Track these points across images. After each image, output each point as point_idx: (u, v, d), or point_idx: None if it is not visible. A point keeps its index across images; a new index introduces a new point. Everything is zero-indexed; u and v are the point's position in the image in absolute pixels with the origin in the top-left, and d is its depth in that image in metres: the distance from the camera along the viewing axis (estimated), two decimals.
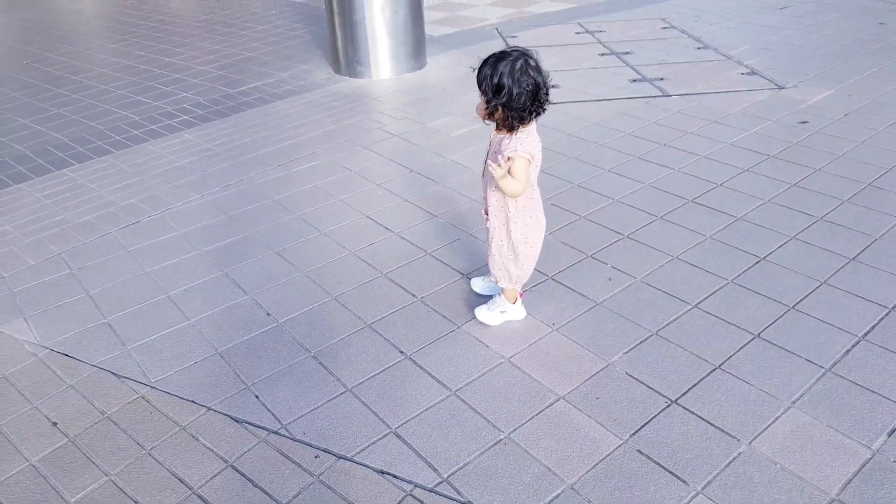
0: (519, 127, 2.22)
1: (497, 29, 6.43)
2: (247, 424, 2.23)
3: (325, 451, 2.11)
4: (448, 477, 1.99)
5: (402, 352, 2.48)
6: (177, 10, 8.18)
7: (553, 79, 4.95)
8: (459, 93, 4.88)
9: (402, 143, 4.13)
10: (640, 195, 3.42)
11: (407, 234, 3.18)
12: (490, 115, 2.24)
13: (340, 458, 2.08)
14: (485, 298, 2.71)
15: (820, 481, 1.94)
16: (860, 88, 4.61)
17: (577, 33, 6.18)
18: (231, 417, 2.25)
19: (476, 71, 2.20)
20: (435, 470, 2.02)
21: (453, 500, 1.93)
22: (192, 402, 2.33)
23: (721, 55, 5.41)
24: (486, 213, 2.45)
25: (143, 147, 4.30)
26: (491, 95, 2.15)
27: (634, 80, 4.94)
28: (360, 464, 2.06)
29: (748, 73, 4.99)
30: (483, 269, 2.88)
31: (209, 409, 2.29)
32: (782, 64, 5.16)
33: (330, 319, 2.66)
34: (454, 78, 5.21)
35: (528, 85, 2.14)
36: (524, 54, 2.18)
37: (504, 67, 2.13)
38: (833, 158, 3.69)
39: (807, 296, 2.67)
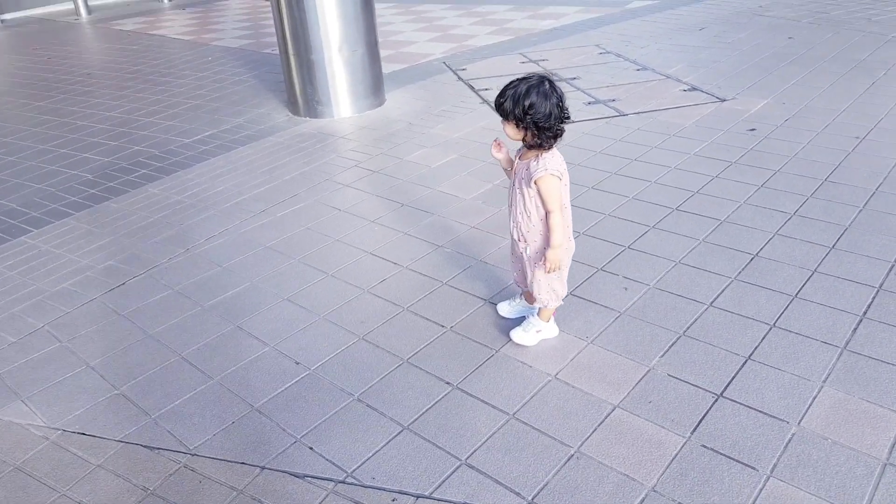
0: (548, 147, 2.31)
1: (445, 63, 6.58)
2: (309, 478, 2.16)
3: (400, 493, 2.08)
4: (533, 499, 2.01)
5: (448, 382, 2.48)
6: (101, 64, 7.92)
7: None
8: (427, 126, 4.96)
9: (383, 179, 4.15)
10: (627, 208, 3.58)
11: (416, 267, 3.20)
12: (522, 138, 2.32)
13: (419, 497, 2.06)
14: (512, 322, 2.75)
15: (869, 448, 2.08)
16: (791, 97, 5.00)
17: (522, 63, 6.41)
18: (290, 473, 2.18)
19: (501, 97, 2.27)
20: (518, 494, 2.03)
21: None
22: (243, 463, 2.24)
23: (660, 74, 5.75)
24: (522, 240, 2.50)
25: (106, 206, 4.13)
26: (522, 116, 2.23)
27: (589, 103, 5.17)
28: (442, 500, 2.04)
29: (689, 90, 5.33)
30: (505, 293, 2.94)
31: (263, 468, 2.21)
32: (716, 79, 5.53)
33: (364, 360, 2.63)
34: (416, 112, 5.29)
35: (554, 105, 2.24)
36: (544, 77, 2.29)
37: (533, 90, 2.23)
38: (787, 160, 3.99)
39: (804, 285, 2.86)
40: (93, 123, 5.67)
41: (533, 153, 2.36)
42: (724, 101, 5.01)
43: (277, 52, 5.44)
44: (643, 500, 1.98)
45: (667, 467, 2.08)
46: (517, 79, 2.28)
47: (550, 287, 2.54)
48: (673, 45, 6.66)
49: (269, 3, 5.55)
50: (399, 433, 2.28)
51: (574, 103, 5.19)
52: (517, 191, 2.43)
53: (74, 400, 2.56)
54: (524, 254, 2.51)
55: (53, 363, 2.77)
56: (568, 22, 8.06)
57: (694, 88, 5.34)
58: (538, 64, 6.34)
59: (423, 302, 2.94)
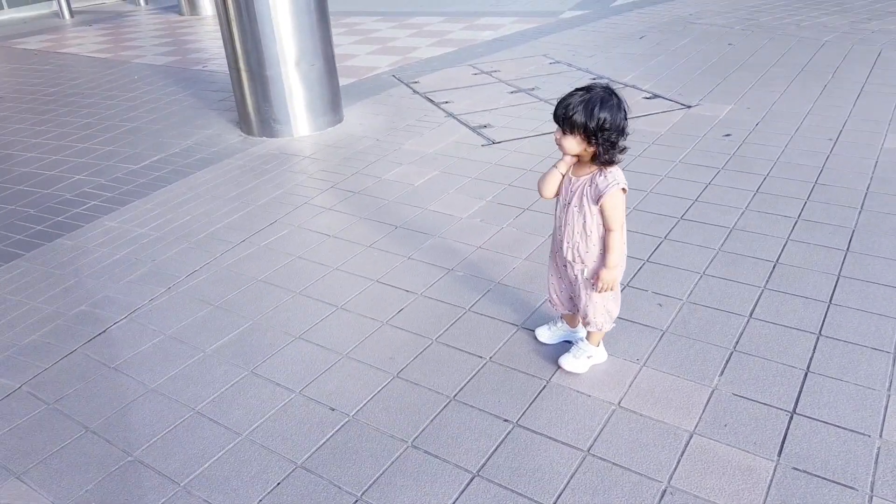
0: (616, 161, 2.17)
1: (395, 76, 6.37)
2: None
3: None
4: None
5: (506, 420, 2.28)
6: (12, 86, 7.20)
7: (485, 120, 5.02)
8: (396, 142, 4.73)
9: (366, 200, 3.89)
10: (633, 219, 3.48)
11: (433, 294, 2.98)
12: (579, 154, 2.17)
13: None
14: (554, 348, 2.59)
15: None
16: (753, 102, 5.11)
17: (475, 74, 6.29)
18: None
19: (569, 109, 2.11)
20: None
21: None
22: None
23: (618, 83, 5.77)
24: (580, 261, 2.33)
25: (59, 243, 3.67)
26: (596, 131, 2.08)
27: None
28: None
29: (651, 97, 5.36)
30: (537, 317, 2.76)
31: None
32: (674, 86, 5.60)
33: (406, 400, 2.39)
34: (380, 127, 5.05)
35: (623, 118, 2.11)
36: (609, 88, 2.15)
37: (606, 102, 2.08)
38: (772, 164, 4.03)
39: (834, 290, 2.84)
40: (19, 152, 5.10)
41: (591, 169, 2.21)
42: (691, 107, 5.07)
43: (208, 68, 5.08)
44: None
45: (766, 495, 1.96)
46: (579, 90, 2.13)
47: (606, 309, 2.39)
48: (620, 54, 6.72)
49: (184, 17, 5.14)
50: (470, 481, 2.06)
51: (541, 114, 5.12)
52: (573, 209, 2.26)
53: (83, 472, 2.18)
54: (579, 276, 2.35)
55: (45, 429, 2.37)
56: (507, 33, 8.03)
57: (656, 96, 5.37)
58: (491, 75, 6.25)
59: (452, 332, 2.73)
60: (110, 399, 2.49)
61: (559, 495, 2.00)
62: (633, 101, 5.26)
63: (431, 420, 2.30)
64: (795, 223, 3.38)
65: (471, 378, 2.47)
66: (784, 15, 7.98)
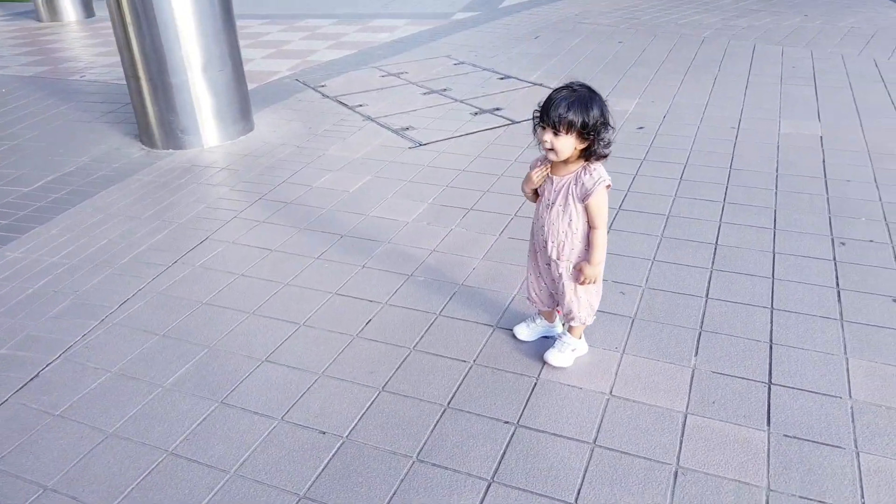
0: (605, 156, 2.19)
1: (298, 80, 6.15)
2: None
3: None
4: None
5: (506, 422, 2.24)
6: None
7: (405, 122, 4.95)
8: (318, 148, 4.56)
9: (301, 210, 3.72)
10: None
11: (398, 301, 2.89)
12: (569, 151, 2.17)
13: None
14: (534, 345, 2.58)
15: None
16: (655, 97, 5.38)
17: (383, 76, 6.20)
18: None
19: (560, 110, 2.10)
20: None
21: None
22: None
23: (526, 82, 5.89)
24: (564, 259, 2.33)
25: None
26: (593, 127, 2.09)
27: (476, 113, 5.12)
28: None
29: None
30: (510, 316, 2.75)
31: None
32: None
33: (399, 414, 2.29)
34: (296, 134, 4.85)
35: (608, 111, 2.15)
36: (586, 85, 2.18)
37: (594, 98, 2.12)
38: (686, 153, 4.25)
39: (773, 266, 3.02)
40: None
41: (574, 166, 2.22)
42: None
43: (87, 77, 4.71)
44: (768, 502, 1.93)
45: (768, 464, 2.05)
46: (561, 92, 2.14)
47: (588, 303, 2.41)
48: (519, 54, 6.88)
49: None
50: (488, 489, 2.00)
51: (460, 115, 5.13)
52: (558, 208, 2.27)
53: None
54: (564, 273, 2.35)
55: None
56: (404, 34, 8.00)
57: None
58: (399, 77, 6.19)
59: (428, 338, 2.66)
60: (64, 451, 2.21)
61: (579, 491, 1.99)
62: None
63: (431, 431, 2.22)
64: (723, 207, 3.58)
65: (459, 384, 2.42)
66: (662, 13, 8.49)
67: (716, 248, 3.19)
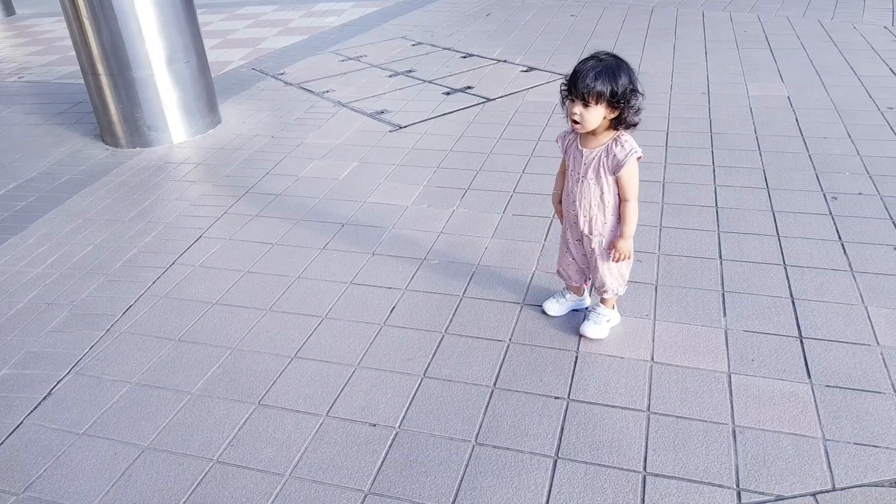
0: (636, 123, 2.18)
1: (255, 69, 5.93)
2: None
3: None
4: (741, 488, 1.90)
5: (557, 397, 2.23)
6: None
7: (378, 105, 4.84)
8: (295, 137, 4.42)
9: (294, 201, 3.60)
10: None
11: (418, 286, 2.83)
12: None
13: None
14: (565, 319, 2.58)
15: None
16: None
17: (342, 61, 6.05)
18: None
19: (588, 81, 2.07)
20: (722, 486, 1.89)
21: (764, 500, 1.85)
22: None
23: (488, 59, 5.85)
24: (598, 233, 2.32)
25: None
26: (623, 95, 2.08)
27: (447, 93, 5.06)
28: None
29: (527, 70, 5.50)
30: (536, 292, 2.73)
31: None
32: (541, 58, 5.80)
33: (447, 400, 2.25)
34: (268, 124, 4.68)
35: (636, 77, 2.14)
36: (611, 53, 2.16)
37: (622, 66, 2.10)
38: (667, 120, 4.31)
39: (776, 224, 3.10)
40: None
41: (604, 137, 2.21)
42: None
43: (25, 78, 4.44)
44: (827, 452, 1.98)
45: (818, 415, 2.10)
46: (588, 62, 2.11)
47: (620, 273, 2.42)
48: (475, 32, 6.82)
49: None
50: (555, 465, 1.99)
51: (432, 95, 5.06)
52: (589, 182, 2.25)
53: None
54: (597, 248, 2.35)
55: None
56: (352, 17, 7.82)
57: (531, 69, 5.52)
58: (359, 60, 6.05)
59: (458, 321, 2.62)
60: (99, 470, 2.08)
61: (645, 459, 2.00)
62: (513, 76, 5.37)
63: (484, 413, 2.19)
64: (714, 171, 3.65)
65: (501, 364, 2.39)
66: None
67: (717, 211, 3.25)
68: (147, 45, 4.15)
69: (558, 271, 2.57)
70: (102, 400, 2.34)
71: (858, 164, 3.60)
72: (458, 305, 2.70)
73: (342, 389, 2.32)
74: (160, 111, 4.34)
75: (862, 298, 2.60)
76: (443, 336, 2.54)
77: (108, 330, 2.69)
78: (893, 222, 3.06)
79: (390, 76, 5.55)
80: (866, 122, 4.08)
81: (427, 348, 2.48)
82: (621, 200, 2.27)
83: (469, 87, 5.14)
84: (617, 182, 2.24)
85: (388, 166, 3.93)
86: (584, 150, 2.25)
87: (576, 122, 2.16)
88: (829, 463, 1.94)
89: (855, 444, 2.00)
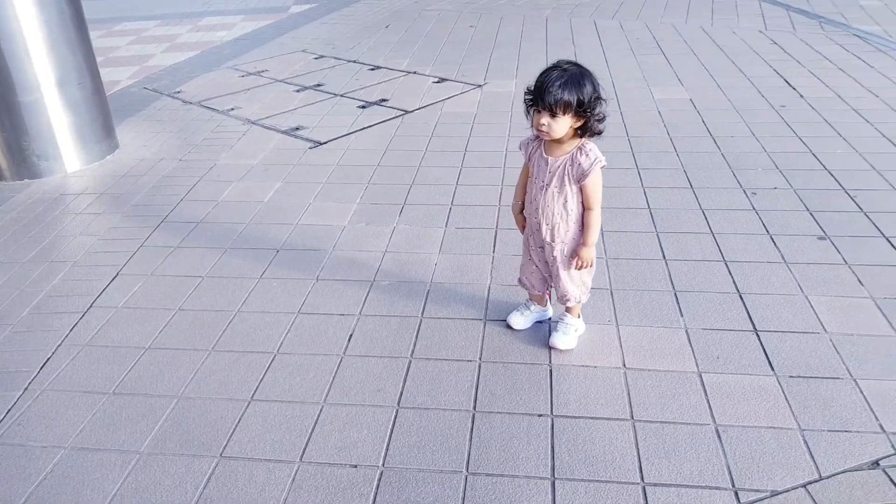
0: (600, 132, 2.18)
1: (147, 88, 5.52)
2: None
3: None
4: (738, 489, 1.91)
5: (541, 415, 2.17)
6: None
7: (292, 122, 4.63)
8: (207, 159, 4.13)
9: (218, 228, 3.35)
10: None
11: (372, 311, 2.69)
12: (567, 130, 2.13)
13: None
14: (531, 332, 2.53)
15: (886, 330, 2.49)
16: (530, 75, 5.47)
17: (243, 77, 5.76)
18: None
19: (553, 92, 2.04)
20: (719, 489, 1.90)
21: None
22: None
23: (397, 70, 5.77)
24: (560, 241, 2.28)
25: None
26: (589, 104, 2.07)
27: (362, 107, 4.92)
28: None
29: (439, 81, 5.46)
30: (496, 307, 2.67)
31: None
32: (450, 68, 5.78)
33: (428, 430, 2.13)
34: (174, 146, 4.35)
35: (599, 85, 2.14)
36: (573, 62, 2.17)
37: (585, 75, 2.10)
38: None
39: (707, 222, 3.22)
40: None
41: (569, 146, 2.19)
42: (482, 86, 5.28)
43: None
44: (806, 442, 2.03)
45: (790, 407, 2.16)
46: (552, 70, 2.11)
47: (582, 281, 2.41)
48: (378, 43, 6.72)
49: None
50: (554, 486, 1.92)
51: (345, 109, 4.91)
52: (553, 191, 2.22)
53: None
54: (558, 256, 2.32)
55: None
56: (245, 31, 7.50)
57: (443, 79, 5.49)
58: (261, 76, 5.79)
59: (423, 344, 2.50)
60: None
61: (641, 469, 1.97)
62: (426, 87, 5.32)
63: (470, 440, 2.09)
64: (639, 173, 3.75)
65: (477, 385, 2.30)
66: None
67: (651, 212, 3.33)
68: (35, 66, 3.74)
69: (520, 280, 2.53)
70: (33, 472, 2.04)
71: (767, 160, 3.81)
72: (419, 327, 2.59)
73: (312, 430, 2.15)
74: (51, 138, 3.93)
75: (801, 288, 2.72)
76: (410, 361, 2.42)
77: (27, 389, 2.37)
78: (811, 213, 3.24)
79: (298, 91, 5.34)
80: (765, 121, 4.34)
81: (396, 376, 2.36)
82: (584, 209, 2.25)
83: (384, 100, 5.03)
84: (581, 190, 2.22)
85: (315, 185, 3.75)
86: (550, 158, 2.23)
87: (543, 131, 2.14)
88: (810, 453, 2.00)
89: (829, 431, 2.07)
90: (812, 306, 2.61)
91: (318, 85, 5.45)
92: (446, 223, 3.30)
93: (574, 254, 2.30)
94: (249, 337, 2.58)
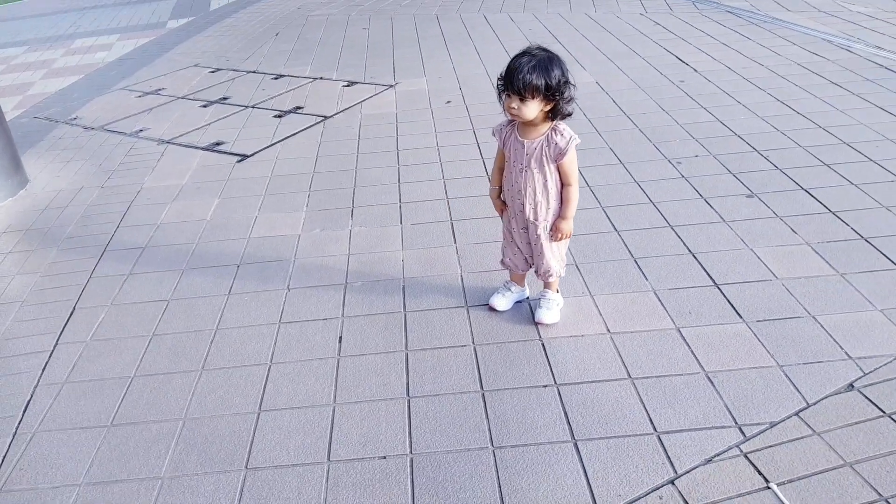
0: (570, 113, 2.30)
1: (39, 117, 5.15)
2: None
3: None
4: (742, 425, 2.09)
5: (545, 385, 2.28)
6: None
7: (210, 137, 4.48)
8: (130, 184, 3.93)
9: (168, 251, 3.21)
10: (455, 184, 3.63)
11: (354, 311, 2.70)
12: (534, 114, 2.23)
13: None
14: (513, 312, 2.64)
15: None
16: (437, 72, 5.59)
17: (140, 97, 5.49)
18: None
19: (522, 76, 2.14)
20: (727, 427, 2.08)
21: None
22: None
23: (303, 77, 5.70)
24: (542, 219, 2.40)
25: None
26: (557, 87, 2.17)
27: (278, 116, 4.84)
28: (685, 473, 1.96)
29: (349, 84, 5.45)
30: (474, 293, 2.75)
31: None
32: (355, 71, 5.79)
33: (444, 414, 2.18)
34: (89, 174, 4.11)
35: (566, 68, 2.25)
36: (541, 47, 2.26)
37: (554, 60, 2.19)
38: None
39: (645, 192, 3.46)
40: None
41: (543, 127, 2.30)
42: (394, 86, 5.33)
43: None
44: (787, 376, 2.25)
45: (765, 348, 2.38)
46: (522, 58, 2.19)
47: (560, 255, 2.54)
48: (272, 52, 6.60)
49: None
50: (578, 448, 2.03)
51: (262, 120, 4.83)
52: (532, 171, 2.33)
53: None
54: (542, 234, 2.43)
55: None
56: (126, 51, 7.14)
57: (352, 83, 5.49)
58: (160, 94, 5.54)
59: (415, 336, 2.55)
60: None
61: (651, 420, 2.12)
62: (338, 92, 5.30)
63: (487, 418, 2.17)
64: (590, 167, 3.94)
65: (476, 369, 2.38)
66: None
67: (592, 189, 3.52)
68: None
69: (503, 262, 2.62)
70: None
71: (682, 132, 4.12)
72: (405, 321, 2.63)
73: (331, 431, 2.15)
74: None
75: (745, 243, 2.99)
76: (406, 354, 2.46)
77: (16, 434, 2.21)
78: (734, 175, 3.55)
79: (205, 106, 5.17)
80: (670, 96, 4.68)
81: (397, 369, 2.39)
82: (563, 185, 2.38)
83: (299, 108, 4.97)
84: (558, 169, 2.34)
85: (255, 197, 3.67)
86: (525, 140, 2.32)
87: (514, 115, 2.23)
88: (793, 385, 2.22)
89: (804, 364, 2.30)
90: (759, 257, 2.88)
91: (225, 98, 5.30)
92: (401, 220, 3.35)
93: (553, 226, 2.42)
94: (237, 352, 2.52)
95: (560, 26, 6.74)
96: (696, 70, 5.09)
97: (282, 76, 5.80)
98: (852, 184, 3.36)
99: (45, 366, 2.50)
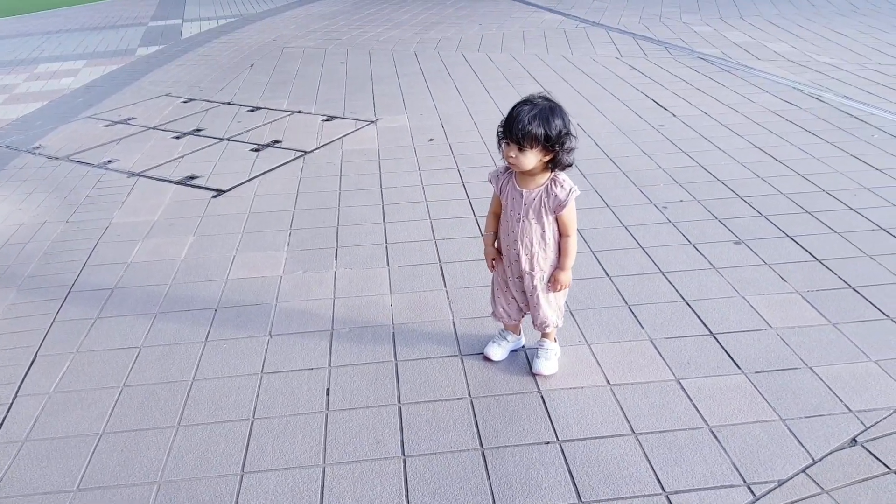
0: (570, 164, 2.23)
1: (8, 145, 4.91)
2: None
3: None
4: (752, 485, 2.02)
5: (548, 442, 2.17)
6: None
7: (182, 171, 4.32)
8: (98, 219, 3.75)
9: (140, 292, 3.03)
10: (443, 225, 3.55)
11: (342, 361, 2.56)
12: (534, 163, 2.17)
13: None
14: (509, 362, 2.54)
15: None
16: (418, 109, 5.56)
17: (108, 126, 5.32)
18: None
19: (522, 126, 2.08)
20: (736, 486, 2.01)
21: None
22: None
23: (280, 111, 5.60)
24: (538, 269, 2.32)
25: None
26: (558, 138, 2.11)
27: (255, 150, 4.71)
28: None
29: (328, 119, 5.37)
30: (468, 341, 2.65)
31: None
32: (335, 106, 5.71)
33: (444, 474, 2.06)
34: (53, 207, 3.91)
35: (569, 119, 2.19)
36: (545, 96, 2.20)
37: (555, 110, 2.14)
38: (488, 156, 4.52)
39: (633, 237, 3.43)
40: None
41: (542, 178, 2.24)
42: (375, 122, 5.26)
43: None
44: (791, 431, 2.19)
45: (766, 401, 2.33)
46: (523, 106, 2.13)
47: (558, 306, 2.46)
48: (247, 83, 6.49)
49: None
50: None
51: (238, 153, 4.70)
52: (530, 222, 2.26)
53: None
54: (538, 285, 2.35)
55: None
56: (94, 77, 6.95)
57: (332, 117, 5.40)
58: (129, 124, 5.37)
59: (407, 388, 2.42)
60: None
61: (659, 480, 2.03)
62: (317, 126, 5.21)
63: (488, 479, 2.05)
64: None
65: (475, 423, 2.26)
66: (357, 33, 8.75)
67: (581, 233, 3.46)
68: None
69: (494, 313, 2.53)
70: None
71: (665, 176, 4.13)
72: (396, 371, 2.51)
73: (322, 495, 2.00)
74: None
75: (736, 290, 2.96)
76: (399, 408, 2.34)
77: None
78: (720, 221, 3.55)
79: (178, 138, 5.02)
80: (650, 140, 4.70)
81: (391, 425, 2.26)
82: (562, 235, 2.31)
83: (277, 142, 4.86)
84: (557, 220, 2.28)
85: (233, 235, 3.53)
86: (524, 190, 2.26)
87: (512, 164, 2.17)
88: (798, 440, 2.16)
89: (806, 417, 2.25)
90: (752, 305, 2.84)
91: (199, 130, 5.16)
92: (388, 262, 3.24)
93: (552, 278, 2.35)
94: (217, 406, 2.36)
95: (537, 67, 6.79)
96: (674, 115, 5.14)
97: (258, 108, 5.69)
98: (835, 232, 3.38)
99: (2, 422, 2.30)
